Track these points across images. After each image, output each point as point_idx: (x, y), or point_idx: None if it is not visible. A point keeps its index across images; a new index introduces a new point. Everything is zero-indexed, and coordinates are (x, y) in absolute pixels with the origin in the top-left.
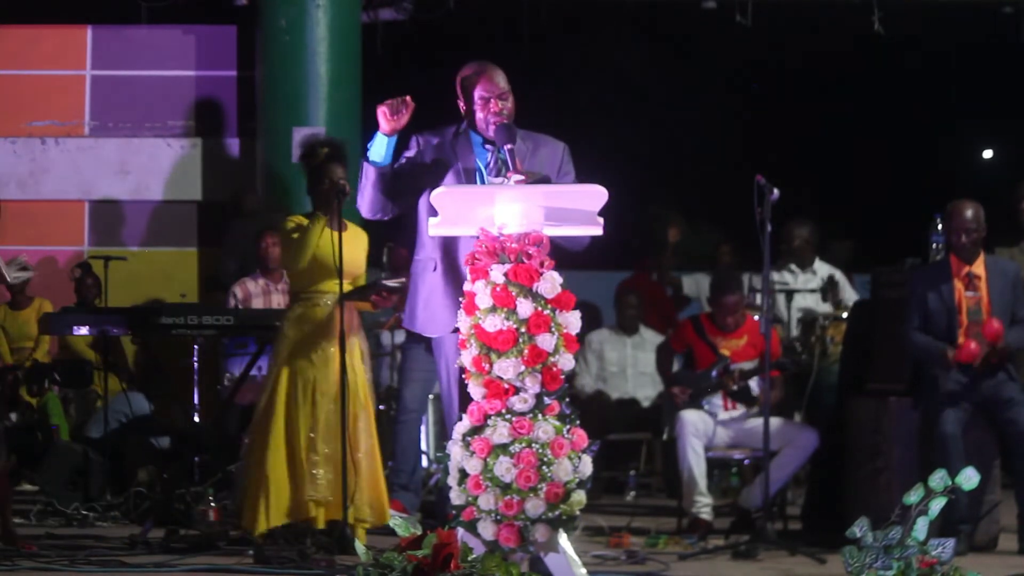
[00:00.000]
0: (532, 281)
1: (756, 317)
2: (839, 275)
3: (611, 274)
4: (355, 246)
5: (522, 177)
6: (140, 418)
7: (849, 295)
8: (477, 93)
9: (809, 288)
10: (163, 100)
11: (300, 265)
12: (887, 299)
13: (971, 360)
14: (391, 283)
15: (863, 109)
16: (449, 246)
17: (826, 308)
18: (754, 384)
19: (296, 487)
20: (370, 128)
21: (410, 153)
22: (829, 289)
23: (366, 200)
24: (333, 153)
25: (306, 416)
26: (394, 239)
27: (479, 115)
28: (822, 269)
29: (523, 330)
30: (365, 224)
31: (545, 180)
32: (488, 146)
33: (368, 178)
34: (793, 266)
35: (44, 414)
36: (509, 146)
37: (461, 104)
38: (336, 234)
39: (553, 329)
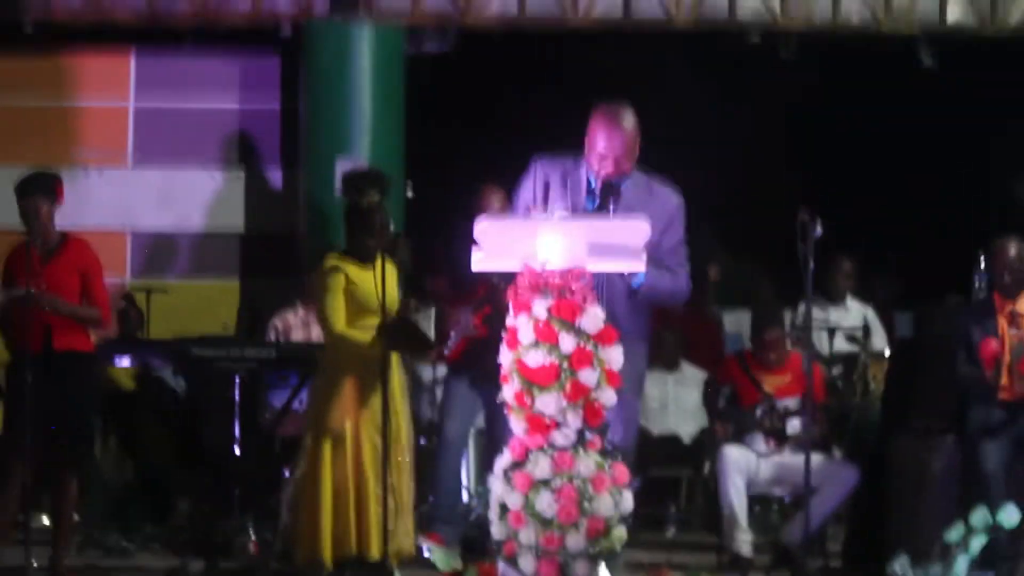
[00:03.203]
0: (575, 316)
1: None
2: (871, 316)
3: None
4: (389, 282)
5: (566, 212)
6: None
7: (879, 341)
8: (597, 143)
9: (841, 325)
10: (206, 131)
11: (325, 327)
12: (930, 335)
13: (993, 357)
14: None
15: (906, 144)
16: None
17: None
18: (793, 422)
19: (347, 522)
20: (414, 161)
21: (528, 181)
22: (865, 334)
23: None
24: (382, 198)
25: (353, 453)
26: (430, 269)
27: (594, 161)
28: (854, 306)
29: (565, 365)
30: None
31: None
32: (596, 186)
33: None
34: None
35: None
36: (610, 200)
37: (586, 140)
38: (378, 272)
39: (595, 364)
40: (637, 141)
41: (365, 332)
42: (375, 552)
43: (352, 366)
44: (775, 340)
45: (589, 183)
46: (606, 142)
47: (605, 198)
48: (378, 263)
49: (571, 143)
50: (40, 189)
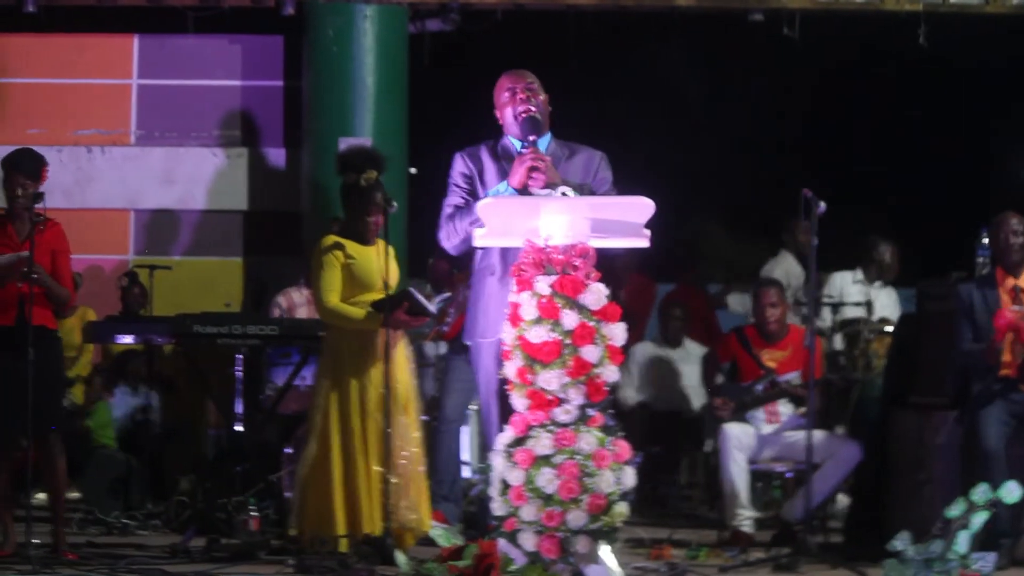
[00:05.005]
0: (577, 293)
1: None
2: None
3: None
4: (390, 259)
5: (555, 182)
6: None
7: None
8: (505, 87)
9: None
10: (209, 110)
11: (317, 302)
12: (932, 312)
13: (1008, 328)
14: (423, 302)
15: (909, 122)
16: (508, 255)
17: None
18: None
19: (357, 500)
20: (417, 139)
21: (462, 169)
22: (868, 310)
23: (459, 240)
24: (380, 177)
25: (360, 430)
26: (435, 252)
27: (509, 112)
28: (887, 289)
29: (568, 341)
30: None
31: (589, 191)
32: (524, 149)
33: (473, 220)
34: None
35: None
36: (533, 137)
37: (497, 114)
38: (382, 250)
39: (598, 341)
40: (547, 101)
41: (360, 308)
42: (378, 529)
43: (354, 344)
44: (773, 296)
45: (515, 146)
46: (515, 81)
47: (527, 134)
48: (380, 242)
49: (574, 121)
50: (24, 167)
